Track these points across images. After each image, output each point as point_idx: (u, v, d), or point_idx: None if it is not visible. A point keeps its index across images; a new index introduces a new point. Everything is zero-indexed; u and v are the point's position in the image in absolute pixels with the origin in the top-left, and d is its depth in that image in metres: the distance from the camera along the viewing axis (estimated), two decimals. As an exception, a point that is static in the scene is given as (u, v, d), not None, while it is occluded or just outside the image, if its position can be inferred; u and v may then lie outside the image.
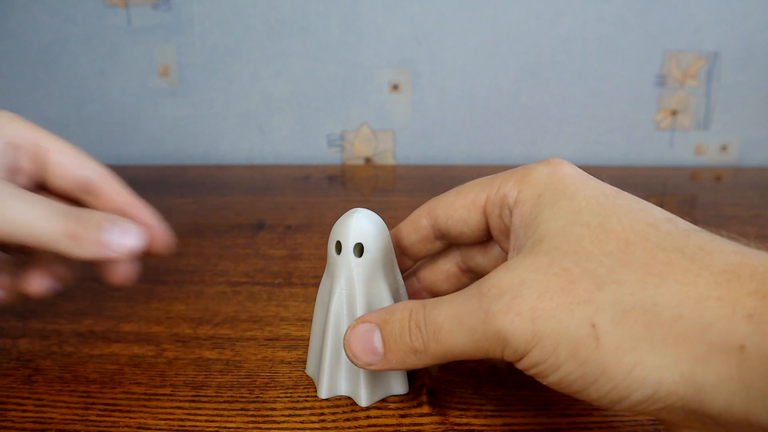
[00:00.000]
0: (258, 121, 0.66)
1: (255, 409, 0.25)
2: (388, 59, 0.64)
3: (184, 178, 0.62)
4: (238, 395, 0.26)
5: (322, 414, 0.25)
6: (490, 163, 0.66)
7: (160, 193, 0.56)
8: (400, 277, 0.27)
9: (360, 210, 0.25)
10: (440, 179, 0.60)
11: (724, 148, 0.66)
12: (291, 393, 0.27)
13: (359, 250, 0.25)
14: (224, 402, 0.26)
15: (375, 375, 0.26)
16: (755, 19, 0.61)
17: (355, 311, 0.25)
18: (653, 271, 0.18)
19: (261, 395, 0.26)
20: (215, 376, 0.28)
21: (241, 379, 0.28)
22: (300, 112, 0.66)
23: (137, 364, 0.29)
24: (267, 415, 0.25)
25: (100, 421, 0.25)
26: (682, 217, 0.21)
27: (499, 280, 0.20)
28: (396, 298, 0.26)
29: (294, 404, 0.26)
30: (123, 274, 0.28)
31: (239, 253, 0.42)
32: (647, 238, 0.19)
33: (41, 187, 0.28)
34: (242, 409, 0.25)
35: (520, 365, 0.20)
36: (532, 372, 0.20)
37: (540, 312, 0.19)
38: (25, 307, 0.34)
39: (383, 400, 0.26)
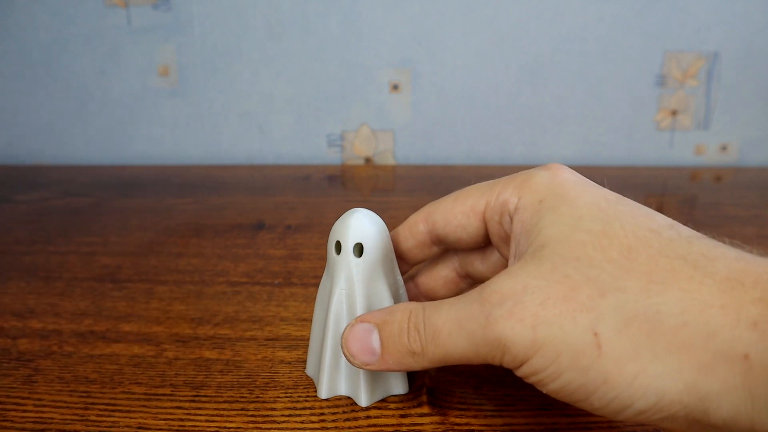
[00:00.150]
0: (258, 121, 0.66)
1: (255, 409, 0.25)
2: (388, 59, 0.64)
3: (184, 178, 0.62)
4: (238, 395, 0.26)
5: (322, 414, 0.25)
6: (490, 163, 0.66)
7: (160, 193, 0.56)
8: (400, 277, 0.27)
9: (360, 210, 0.25)
10: (440, 179, 0.60)
11: (724, 148, 0.66)
12: (291, 393, 0.27)
13: (359, 250, 0.25)
14: (224, 402, 0.26)
15: (375, 375, 0.26)
16: (755, 19, 0.61)
17: (355, 311, 0.25)
18: (656, 278, 0.18)
19: (261, 395, 0.26)
20: (215, 376, 0.28)
21: (241, 379, 0.28)
22: (300, 112, 0.66)
23: (137, 364, 0.29)
24: (267, 415, 0.25)
25: (100, 421, 0.25)
26: (683, 217, 0.21)
27: (501, 286, 0.20)
28: (396, 299, 0.26)
29: (294, 404, 0.26)
30: None
31: (239, 253, 0.42)
32: (650, 244, 0.19)
33: None
34: (242, 409, 0.25)
35: (519, 372, 0.19)
36: (532, 380, 0.19)
37: (542, 319, 0.18)
38: (25, 307, 0.34)
39: (383, 400, 0.26)
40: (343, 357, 0.25)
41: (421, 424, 0.25)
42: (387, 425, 0.25)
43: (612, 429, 0.24)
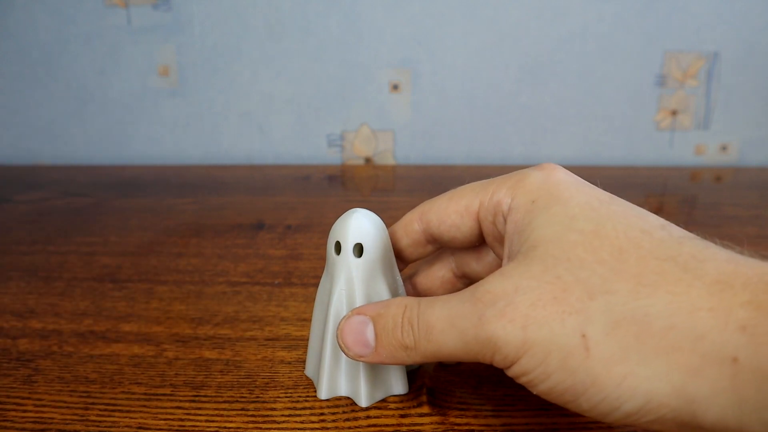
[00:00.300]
0: (258, 121, 0.66)
1: (255, 409, 0.25)
2: (388, 59, 0.64)
3: (184, 178, 0.62)
4: (238, 395, 0.26)
5: (322, 414, 0.25)
6: (490, 163, 0.66)
7: (160, 193, 0.56)
8: (399, 276, 0.27)
9: (359, 210, 0.25)
10: (440, 179, 0.60)
11: (724, 148, 0.66)
12: (291, 393, 0.27)
13: (358, 250, 0.25)
14: (224, 402, 0.26)
15: (375, 375, 0.26)
16: (755, 19, 0.61)
17: (355, 311, 0.25)
18: (645, 280, 0.18)
19: (261, 395, 0.26)
20: (215, 376, 0.28)
21: (241, 379, 0.28)
22: (300, 112, 0.66)
23: (137, 364, 0.29)
24: (267, 415, 0.25)
25: (100, 421, 0.25)
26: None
27: (494, 286, 0.20)
28: (395, 298, 0.26)
29: (294, 404, 0.26)
30: None
31: (239, 253, 0.42)
32: (640, 245, 0.19)
33: None
34: (242, 409, 0.25)
35: (510, 372, 0.20)
36: (522, 380, 0.19)
37: (532, 320, 0.19)
38: (25, 307, 0.34)
39: (383, 400, 0.26)
40: (343, 357, 0.25)
41: (421, 424, 0.25)
42: (387, 425, 0.25)
43: (612, 430, 0.24)
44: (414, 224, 0.26)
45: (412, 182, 0.61)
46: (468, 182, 0.26)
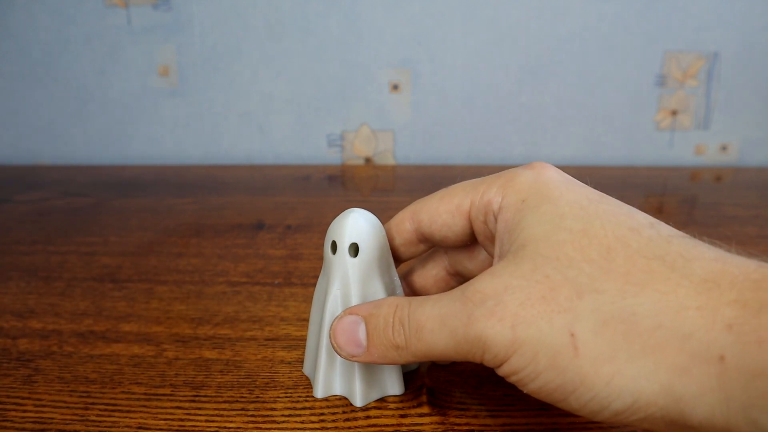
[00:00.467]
0: (258, 121, 0.66)
1: (255, 409, 0.25)
2: (388, 59, 0.64)
3: (184, 178, 0.62)
4: (238, 395, 0.26)
5: (321, 414, 0.25)
6: (490, 163, 0.66)
7: (160, 193, 0.56)
8: (396, 276, 0.27)
9: (356, 210, 0.25)
10: (440, 179, 0.60)
11: (724, 148, 0.66)
12: (291, 393, 0.27)
13: (354, 250, 0.25)
14: (224, 402, 0.26)
15: (370, 375, 0.26)
16: (755, 19, 0.61)
17: (351, 312, 0.25)
18: (633, 279, 0.18)
19: (261, 395, 0.26)
20: (215, 376, 0.28)
21: (241, 379, 0.28)
22: (300, 112, 0.66)
23: (137, 364, 0.29)
24: (267, 415, 0.25)
25: (100, 421, 0.25)
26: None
27: (483, 285, 0.20)
28: (392, 298, 0.26)
29: (294, 404, 0.26)
30: None
31: (239, 253, 0.42)
32: (629, 244, 0.19)
33: None
34: (242, 409, 0.25)
35: (500, 372, 0.20)
36: (512, 379, 0.20)
37: (521, 319, 0.19)
38: (25, 307, 0.34)
39: (383, 401, 0.26)
40: (339, 357, 0.25)
41: (421, 424, 0.25)
42: (387, 425, 0.25)
43: (612, 429, 0.24)
44: (406, 223, 0.26)
45: (412, 182, 0.61)
46: None
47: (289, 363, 0.29)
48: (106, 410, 0.25)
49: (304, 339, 0.31)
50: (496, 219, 0.23)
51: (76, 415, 0.25)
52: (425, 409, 0.25)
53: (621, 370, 0.17)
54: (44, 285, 0.37)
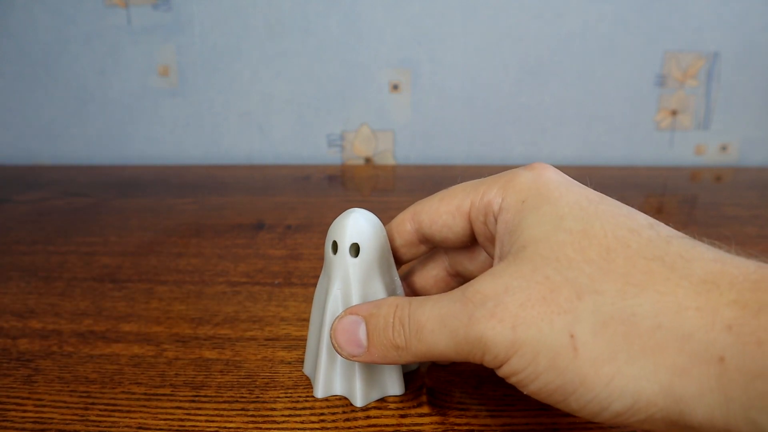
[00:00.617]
0: (258, 121, 0.66)
1: (255, 409, 0.25)
2: (388, 59, 0.64)
3: (184, 178, 0.62)
4: (238, 395, 0.26)
5: (321, 414, 0.25)
6: (490, 163, 0.66)
7: (160, 193, 0.56)
8: (397, 277, 0.27)
9: (356, 210, 0.25)
10: (440, 179, 0.60)
11: (724, 148, 0.66)
12: (291, 393, 0.27)
13: (355, 250, 0.25)
14: (224, 402, 0.26)
15: (370, 375, 0.26)
16: (755, 19, 0.61)
17: (351, 311, 0.25)
18: (633, 280, 0.18)
19: (261, 395, 0.26)
20: (215, 376, 0.28)
21: (241, 379, 0.28)
22: (300, 112, 0.66)
23: (137, 364, 0.29)
24: (267, 415, 0.25)
25: (100, 421, 0.25)
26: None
27: (484, 286, 0.20)
28: (393, 299, 0.26)
29: (294, 404, 0.26)
30: None
31: (239, 253, 0.42)
32: (628, 245, 0.19)
33: None
34: (242, 409, 0.25)
35: (500, 372, 0.20)
36: (512, 380, 0.20)
37: (521, 320, 0.19)
38: (25, 307, 0.34)
39: (383, 401, 0.26)
40: (339, 357, 0.25)
41: (421, 425, 0.25)
42: (387, 425, 0.25)
43: (612, 429, 0.24)
44: (406, 224, 0.27)
45: (412, 182, 0.61)
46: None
47: (289, 363, 0.29)
48: (106, 410, 0.25)
49: (304, 339, 0.31)
50: (496, 220, 0.23)
51: (76, 415, 0.25)
52: (425, 409, 0.25)
53: (621, 370, 0.17)
54: (44, 285, 0.37)
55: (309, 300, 0.35)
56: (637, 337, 0.17)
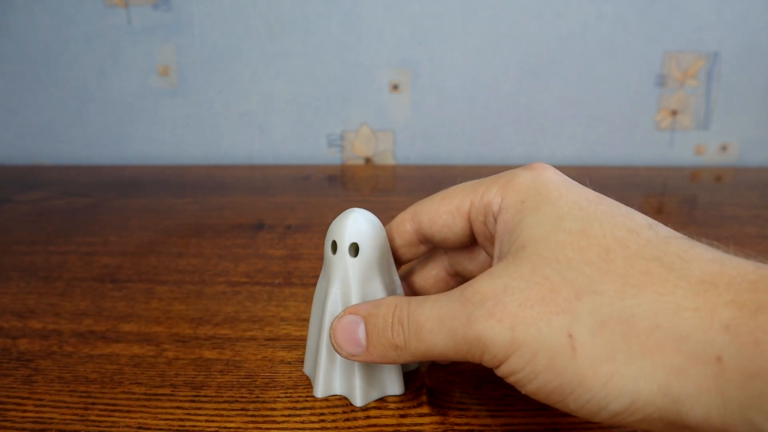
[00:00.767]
0: (258, 121, 0.66)
1: (255, 409, 0.25)
2: (388, 59, 0.64)
3: (184, 178, 0.62)
4: (238, 395, 0.26)
5: (321, 414, 0.25)
6: (490, 163, 0.66)
7: (160, 193, 0.56)
8: (396, 277, 0.27)
9: (356, 210, 0.25)
10: (440, 179, 0.60)
11: (724, 148, 0.66)
12: (291, 393, 0.27)
13: (354, 249, 0.25)
14: (224, 402, 0.26)
15: (370, 375, 0.26)
16: (755, 19, 0.61)
17: (351, 311, 0.25)
18: (631, 281, 0.18)
19: (261, 395, 0.26)
20: (215, 376, 0.28)
21: (241, 379, 0.28)
22: (300, 112, 0.66)
23: (137, 364, 0.29)
24: (267, 415, 0.25)
25: (100, 421, 0.25)
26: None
27: (483, 286, 0.20)
28: (392, 299, 0.26)
29: (294, 404, 0.26)
30: None
31: (239, 253, 0.42)
32: (627, 245, 0.19)
33: None
34: (242, 409, 0.25)
35: (499, 372, 0.20)
36: (511, 380, 0.20)
37: (520, 320, 0.19)
38: (25, 307, 0.34)
39: (383, 401, 0.26)
40: (339, 356, 0.25)
41: (421, 424, 0.25)
42: (387, 425, 0.25)
43: (612, 430, 0.24)
44: (406, 225, 0.27)
45: (412, 182, 0.61)
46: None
47: (289, 363, 0.29)
48: (106, 410, 0.25)
49: (304, 339, 0.31)
50: (495, 220, 0.23)
51: (76, 415, 0.25)
52: (425, 409, 0.25)
53: (619, 370, 0.17)
54: (44, 285, 0.37)
55: (309, 300, 0.35)
56: (635, 337, 0.17)
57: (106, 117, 0.66)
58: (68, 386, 0.27)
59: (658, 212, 0.50)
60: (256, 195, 0.56)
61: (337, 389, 0.26)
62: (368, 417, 0.25)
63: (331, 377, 0.26)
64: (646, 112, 0.65)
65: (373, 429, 0.24)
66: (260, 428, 0.24)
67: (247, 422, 0.25)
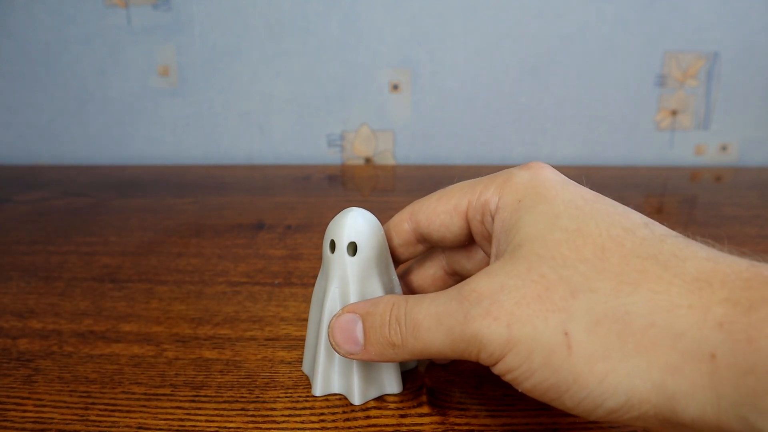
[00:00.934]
0: (258, 121, 0.66)
1: (255, 409, 0.25)
2: (388, 59, 0.64)
3: (184, 178, 0.62)
4: (238, 395, 0.26)
5: (321, 414, 0.25)
6: (490, 163, 0.66)
7: (160, 193, 0.56)
8: (395, 276, 0.27)
9: (354, 209, 0.25)
10: (440, 179, 0.60)
11: (724, 148, 0.66)
12: (291, 393, 0.27)
13: (353, 249, 0.25)
14: (224, 402, 0.26)
15: (368, 373, 0.26)
16: (755, 19, 0.61)
17: (349, 310, 0.25)
18: (627, 279, 0.18)
19: (261, 395, 0.26)
20: (215, 376, 0.28)
21: (241, 379, 0.28)
22: (300, 112, 0.66)
23: (137, 364, 0.29)
24: (267, 415, 0.25)
25: (100, 421, 0.25)
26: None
27: (480, 284, 0.20)
28: (390, 297, 0.26)
29: (294, 404, 0.26)
30: None
31: (239, 253, 0.42)
32: (623, 244, 0.19)
33: None
34: (242, 409, 0.25)
35: (495, 370, 0.20)
36: (507, 378, 0.20)
37: (516, 318, 0.19)
38: (25, 307, 0.34)
39: (383, 400, 0.26)
40: (337, 355, 0.25)
41: (421, 424, 0.25)
42: (387, 425, 0.25)
43: (612, 429, 0.24)
44: (404, 224, 0.27)
45: (412, 182, 0.61)
46: None
47: (289, 363, 0.29)
48: (106, 410, 0.25)
49: (303, 339, 0.31)
50: (493, 219, 0.23)
51: (76, 415, 0.25)
52: (425, 409, 0.25)
53: (614, 368, 0.17)
54: (44, 285, 0.37)
55: (309, 300, 0.35)
56: (630, 335, 0.17)
57: (106, 117, 0.66)
58: (68, 386, 0.27)
59: (658, 212, 0.50)
60: (256, 195, 0.56)
61: (336, 388, 0.26)
62: (368, 417, 0.25)
63: (330, 376, 0.26)
64: (646, 112, 0.65)
65: (373, 429, 0.24)
66: (260, 428, 0.24)
67: (247, 422, 0.25)
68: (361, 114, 0.66)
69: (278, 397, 0.26)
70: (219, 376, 0.28)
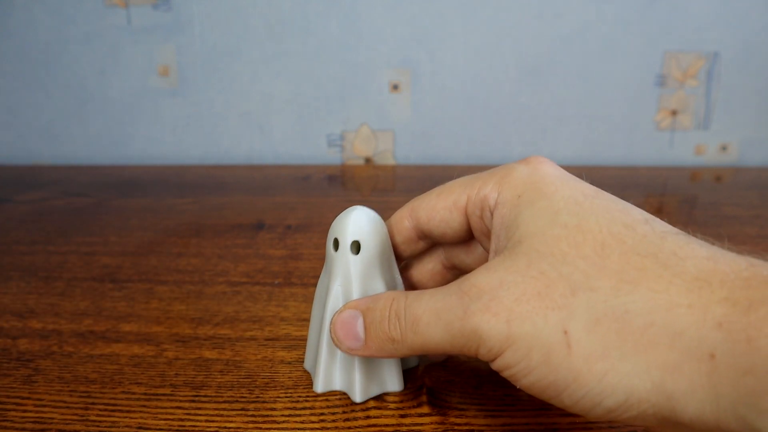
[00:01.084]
0: (258, 121, 0.66)
1: (255, 409, 0.25)
2: (388, 59, 0.64)
3: (184, 178, 0.62)
4: (238, 395, 0.26)
5: (321, 414, 0.25)
6: (490, 163, 0.66)
7: (160, 193, 0.56)
8: (398, 274, 0.27)
9: (358, 207, 0.25)
10: (440, 179, 0.60)
11: (724, 148, 0.66)
12: (291, 393, 0.27)
13: (356, 247, 0.25)
14: (224, 402, 0.26)
15: (369, 370, 0.26)
16: (755, 19, 0.61)
17: (351, 308, 0.25)
18: (627, 277, 0.18)
19: (261, 395, 0.26)
20: (215, 376, 0.28)
21: (241, 379, 0.28)
22: (300, 112, 0.66)
23: (137, 364, 0.29)
24: (267, 415, 0.25)
25: (100, 421, 0.25)
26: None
27: (479, 280, 0.20)
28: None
29: (294, 404, 0.26)
30: None
31: (239, 253, 0.42)
32: (623, 240, 0.19)
33: None
34: (242, 409, 0.25)
35: (494, 366, 0.20)
36: (506, 374, 0.20)
37: (515, 314, 0.19)
38: (25, 307, 0.34)
39: (383, 400, 0.26)
40: (339, 352, 0.25)
41: (421, 424, 0.25)
42: (387, 425, 0.25)
43: (612, 429, 0.24)
44: (404, 221, 0.27)
45: (412, 182, 0.61)
46: None
47: (289, 363, 0.29)
48: (106, 410, 0.25)
49: (304, 339, 0.31)
50: (492, 214, 0.23)
51: (76, 415, 0.25)
52: (425, 409, 0.25)
53: (613, 367, 0.17)
54: (44, 285, 0.37)
55: (309, 300, 0.35)
56: (629, 334, 0.17)
57: (106, 117, 0.66)
58: (68, 386, 0.27)
59: (658, 212, 0.50)
60: (256, 195, 0.56)
61: (337, 385, 0.26)
62: (368, 417, 0.25)
63: (332, 372, 0.26)
64: (646, 112, 0.65)
65: (373, 429, 0.24)
66: (260, 428, 0.24)
67: (247, 422, 0.25)
68: (361, 114, 0.66)
69: (278, 397, 0.26)
70: (219, 376, 0.28)
